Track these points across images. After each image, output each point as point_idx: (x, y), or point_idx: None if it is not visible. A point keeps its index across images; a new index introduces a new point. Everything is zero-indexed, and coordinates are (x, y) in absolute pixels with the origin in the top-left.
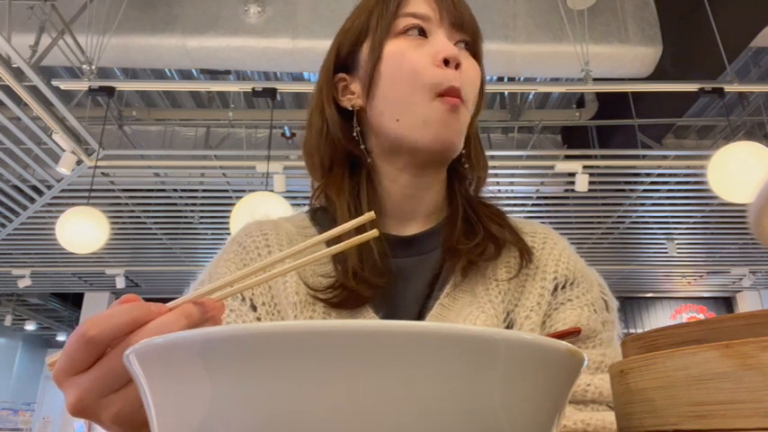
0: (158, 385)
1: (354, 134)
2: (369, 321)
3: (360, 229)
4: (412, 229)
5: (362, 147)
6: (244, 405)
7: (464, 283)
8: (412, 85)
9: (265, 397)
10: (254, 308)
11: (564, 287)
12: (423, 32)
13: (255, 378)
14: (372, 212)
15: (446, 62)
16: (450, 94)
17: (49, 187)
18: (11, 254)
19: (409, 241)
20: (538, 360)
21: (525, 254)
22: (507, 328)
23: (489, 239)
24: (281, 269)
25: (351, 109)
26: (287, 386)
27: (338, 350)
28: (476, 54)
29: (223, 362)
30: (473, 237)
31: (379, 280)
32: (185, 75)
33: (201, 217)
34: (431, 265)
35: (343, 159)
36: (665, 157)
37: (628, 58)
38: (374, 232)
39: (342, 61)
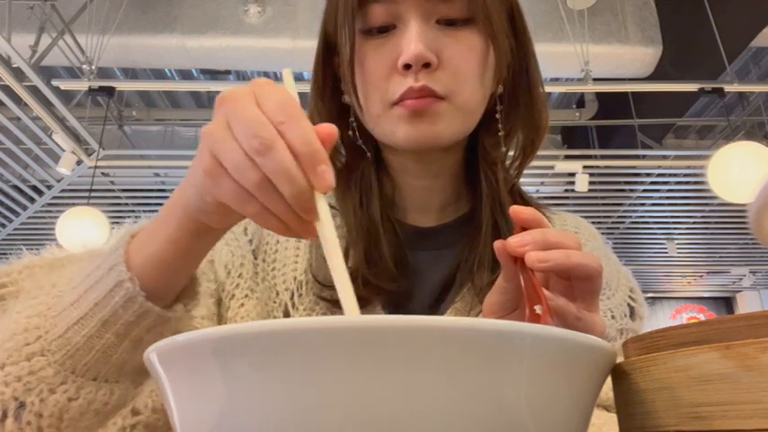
0: (177, 384)
1: (350, 130)
2: (389, 317)
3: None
4: (430, 221)
5: (359, 142)
6: (260, 403)
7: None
8: (372, 96)
9: (281, 395)
10: (255, 255)
11: None
12: (385, 29)
13: (270, 376)
14: None
15: (408, 66)
16: (408, 96)
17: (49, 187)
18: (11, 254)
19: (425, 233)
20: (566, 355)
21: None
22: None
23: None
24: None
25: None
26: (302, 384)
27: (355, 347)
28: (475, 15)
29: (237, 360)
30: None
31: (390, 285)
32: (185, 75)
33: None
34: (447, 264)
35: (351, 151)
36: (665, 157)
37: (628, 58)
38: None
39: (333, 45)
